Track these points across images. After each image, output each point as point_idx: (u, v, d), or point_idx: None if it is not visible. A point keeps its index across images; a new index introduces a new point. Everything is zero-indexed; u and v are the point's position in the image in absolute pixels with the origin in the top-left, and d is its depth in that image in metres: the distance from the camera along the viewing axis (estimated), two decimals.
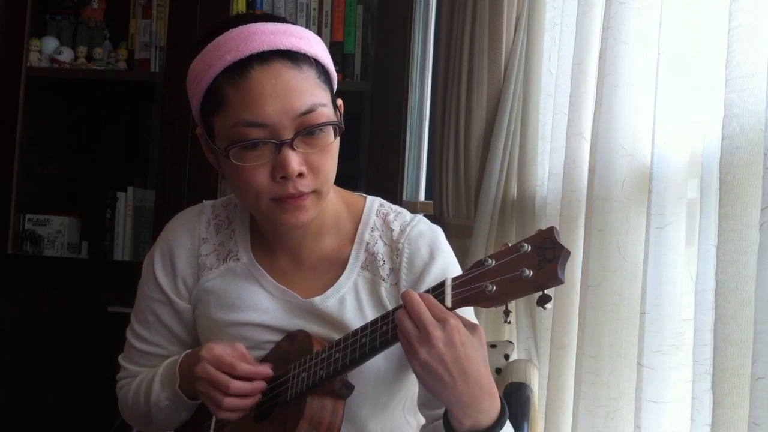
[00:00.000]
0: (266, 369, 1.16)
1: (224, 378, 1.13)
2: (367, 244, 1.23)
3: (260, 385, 1.15)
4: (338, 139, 1.13)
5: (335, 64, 1.22)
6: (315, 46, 1.13)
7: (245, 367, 1.14)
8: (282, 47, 1.09)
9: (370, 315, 1.19)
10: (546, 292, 0.94)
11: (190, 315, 1.29)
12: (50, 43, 2.55)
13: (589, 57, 1.48)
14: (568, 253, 0.93)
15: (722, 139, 0.95)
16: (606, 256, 1.31)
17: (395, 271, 1.21)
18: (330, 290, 1.21)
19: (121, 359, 1.35)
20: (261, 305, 1.23)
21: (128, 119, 2.80)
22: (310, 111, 1.08)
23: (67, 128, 2.77)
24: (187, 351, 1.25)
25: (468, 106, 2.16)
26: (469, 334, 1.00)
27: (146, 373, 1.29)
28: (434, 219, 2.07)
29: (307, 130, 1.09)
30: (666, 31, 1.17)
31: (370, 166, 2.36)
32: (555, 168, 1.68)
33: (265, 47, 1.08)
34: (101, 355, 1.98)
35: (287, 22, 1.14)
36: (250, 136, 1.08)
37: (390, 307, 1.18)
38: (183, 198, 2.36)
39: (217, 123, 1.12)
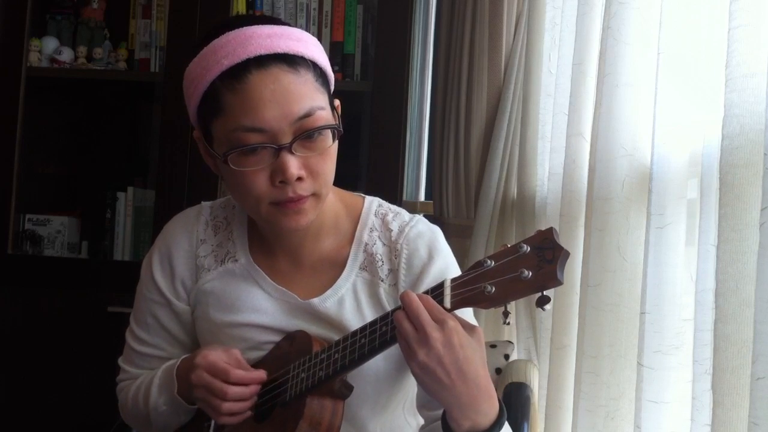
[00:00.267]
0: (260, 374, 1.15)
1: (220, 384, 1.13)
2: (366, 244, 1.23)
3: (255, 388, 1.15)
4: (336, 142, 1.13)
5: (335, 64, 1.22)
6: (312, 48, 1.13)
7: (239, 374, 1.14)
8: (279, 51, 1.08)
9: (369, 316, 1.18)
10: (545, 293, 0.94)
11: (188, 316, 1.29)
12: (50, 43, 2.55)
13: (589, 57, 1.47)
14: (567, 254, 0.93)
15: (722, 139, 0.95)
16: (606, 256, 1.31)
17: (394, 271, 1.21)
18: (329, 291, 1.21)
19: (120, 361, 1.35)
20: (260, 306, 1.23)
21: (128, 119, 2.80)
22: (308, 115, 1.08)
23: (67, 128, 2.77)
24: (183, 356, 1.25)
25: (468, 106, 2.16)
26: (468, 336, 1.00)
27: (145, 376, 1.29)
28: (434, 219, 2.07)
29: (305, 134, 1.08)
30: (666, 31, 1.17)
31: (370, 166, 2.36)
32: (555, 168, 1.68)
33: (263, 51, 1.08)
34: (101, 355, 1.97)
35: (284, 24, 1.14)
36: (249, 141, 1.08)
37: (389, 307, 1.18)
38: (183, 198, 2.35)
39: (215, 127, 1.12)
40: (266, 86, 1.07)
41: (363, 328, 1.08)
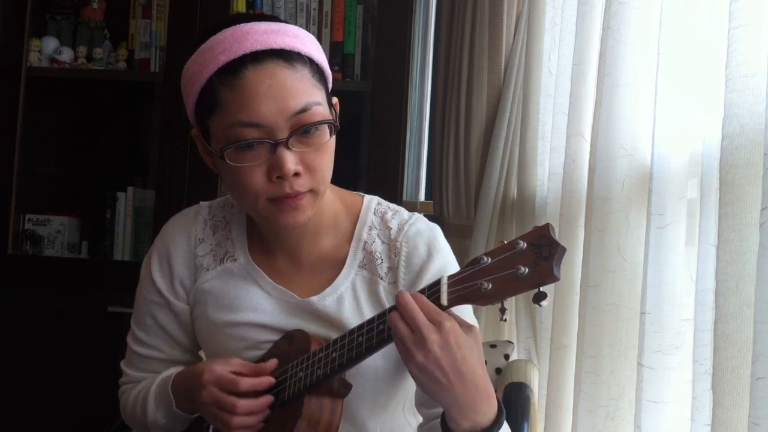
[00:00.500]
0: (268, 379, 1.15)
1: (230, 400, 1.12)
2: (365, 242, 1.22)
3: (267, 399, 1.14)
4: (334, 137, 1.13)
5: (335, 64, 1.22)
6: (309, 44, 1.12)
7: (248, 382, 1.13)
8: (275, 46, 1.08)
9: (368, 314, 1.18)
10: (542, 289, 0.93)
11: (188, 316, 1.29)
12: (50, 43, 2.55)
13: (589, 57, 1.47)
14: (564, 250, 0.93)
15: (722, 139, 0.95)
16: (606, 256, 1.31)
17: (393, 269, 1.20)
18: (328, 289, 1.21)
19: (122, 365, 1.35)
20: (259, 305, 1.22)
21: (128, 119, 2.80)
22: (304, 110, 1.08)
23: (67, 128, 2.77)
24: (177, 370, 1.26)
25: (468, 106, 2.16)
26: (465, 336, 1.00)
27: (143, 385, 1.29)
28: (434, 219, 2.06)
29: (302, 129, 1.08)
30: (666, 31, 1.17)
31: (370, 166, 2.36)
32: (555, 168, 1.68)
33: (259, 47, 1.08)
34: (101, 356, 1.98)
35: (281, 21, 1.14)
36: (246, 136, 1.07)
37: (388, 305, 1.17)
38: (183, 198, 2.35)
39: (212, 124, 1.11)
40: (262, 81, 1.06)
41: (360, 327, 1.08)
